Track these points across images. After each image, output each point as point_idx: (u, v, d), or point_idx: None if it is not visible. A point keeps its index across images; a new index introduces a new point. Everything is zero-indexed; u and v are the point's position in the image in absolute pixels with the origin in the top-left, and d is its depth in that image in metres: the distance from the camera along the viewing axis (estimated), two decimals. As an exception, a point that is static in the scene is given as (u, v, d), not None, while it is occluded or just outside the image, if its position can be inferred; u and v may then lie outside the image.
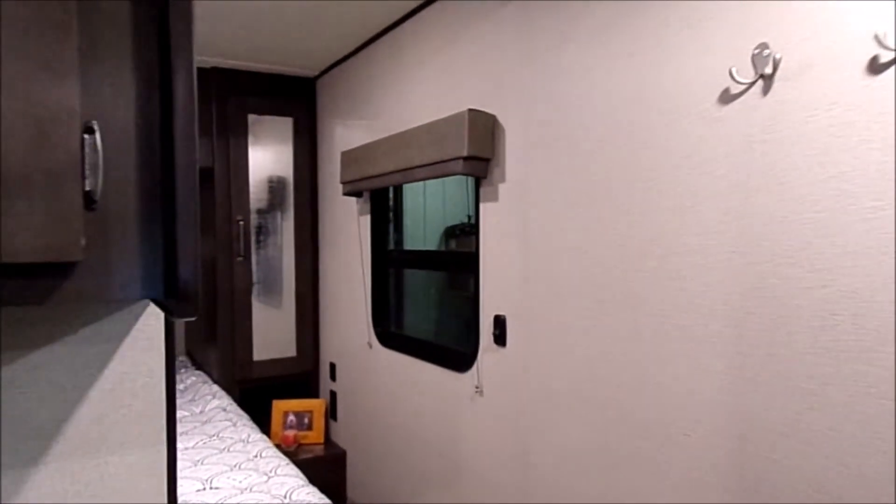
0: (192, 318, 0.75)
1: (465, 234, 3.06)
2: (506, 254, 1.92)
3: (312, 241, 3.38)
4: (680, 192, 1.37)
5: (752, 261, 1.24)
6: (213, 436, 2.50)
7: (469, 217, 3.10)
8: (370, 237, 2.78)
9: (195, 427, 2.62)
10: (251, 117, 3.24)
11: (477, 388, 2.06)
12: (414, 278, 3.00)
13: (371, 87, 2.74)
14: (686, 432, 1.38)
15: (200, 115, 3.08)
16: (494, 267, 1.99)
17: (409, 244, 3.18)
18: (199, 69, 3.11)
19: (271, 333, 3.31)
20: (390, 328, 2.79)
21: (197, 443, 2.42)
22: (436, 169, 2.05)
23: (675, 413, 1.40)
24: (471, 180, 2.18)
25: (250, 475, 2.08)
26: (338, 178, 2.85)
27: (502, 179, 1.92)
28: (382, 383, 2.72)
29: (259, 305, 3.29)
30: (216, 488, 1.98)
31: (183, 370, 3.65)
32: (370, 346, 2.80)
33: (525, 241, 1.84)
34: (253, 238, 3.28)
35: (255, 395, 3.30)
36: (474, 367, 2.08)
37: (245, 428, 2.58)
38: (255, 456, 2.28)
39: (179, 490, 1.99)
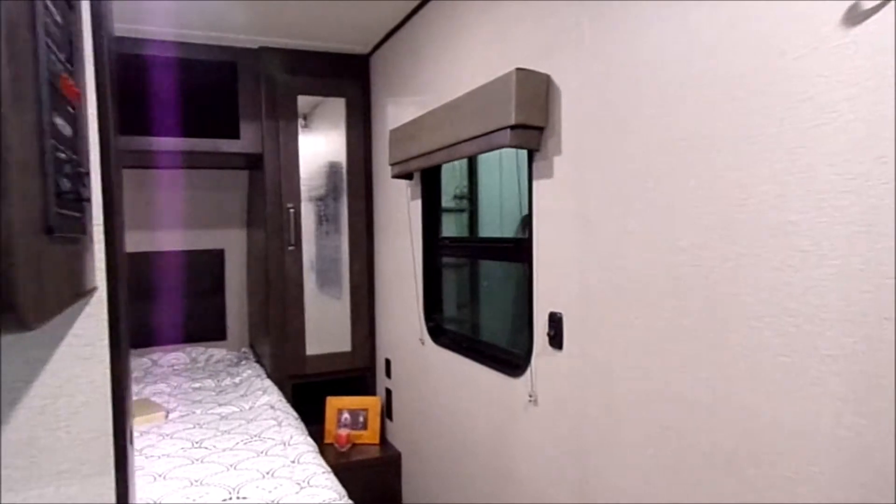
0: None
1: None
2: (562, 240, 1.62)
3: (367, 228, 3.18)
4: (784, 155, 1.03)
5: (888, 244, 0.89)
6: (255, 436, 2.36)
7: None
8: (421, 224, 2.54)
9: (240, 425, 2.49)
10: (303, 99, 3.07)
11: (531, 396, 1.77)
12: (468, 270, 2.73)
13: (421, 58, 2.48)
14: (789, 473, 1.04)
15: (249, 98, 2.95)
16: (549, 256, 1.69)
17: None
18: (247, 49, 3.01)
19: (326, 327, 3.15)
20: (442, 324, 2.54)
21: (237, 443, 2.29)
22: (482, 143, 1.77)
23: (771, 448, 1.06)
24: (524, 155, 1.88)
25: (282, 484, 1.91)
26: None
27: (557, 151, 1.61)
28: (436, 383, 2.48)
29: (317, 297, 3.14)
30: (243, 498, 1.82)
31: (243, 362, 3.57)
32: (422, 343, 2.57)
33: (585, 224, 1.53)
34: (314, 226, 3.12)
35: (309, 390, 3.16)
36: (528, 373, 1.79)
37: (289, 429, 2.42)
38: (293, 461, 2.10)
39: (205, 498, 1.85)
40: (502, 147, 1.68)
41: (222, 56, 2.92)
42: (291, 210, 3.01)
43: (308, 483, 1.92)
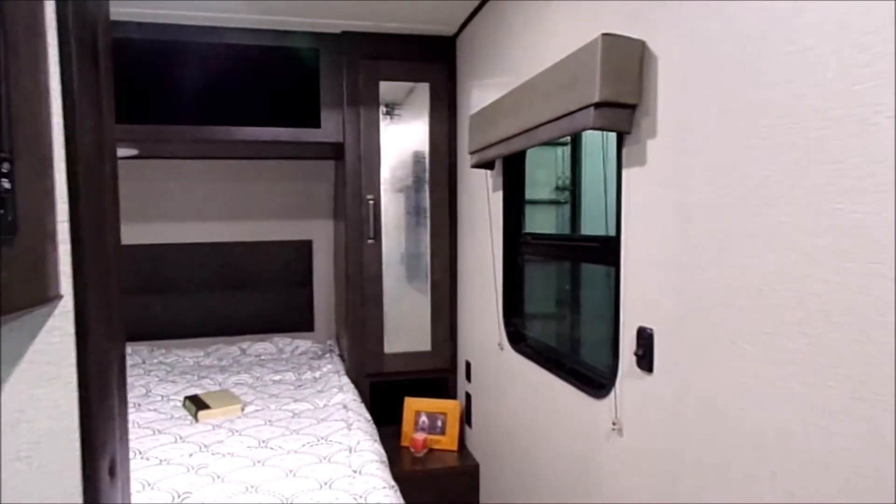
0: None
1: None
2: (656, 240, 1.34)
3: (450, 222, 3.00)
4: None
5: None
6: (322, 438, 2.25)
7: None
8: (501, 218, 2.31)
9: (309, 425, 2.40)
10: (386, 88, 2.93)
11: (614, 425, 1.50)
12: (553, 270, 2.47)
13: (506, 33, 2.25)
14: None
15: (331, 86, 2.85)
16: (639, 259, 1.41)
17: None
18: (330, 35, 2.91)
19: (407, 325, 3.01)
20: (522, 329, 2.30)
21: (303, 445, 2.19)
22: (563, 125, 1.52)
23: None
24: (612, 139, 1.60)
25: (338, 498, 1.77)
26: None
27: (652, 134, 1.33)
28: (514, 393, 2.26)
29: (397, 294, 3.01)
30: (294, 511, 1.70)
31: (327, 356, 3.53)
32: (501, 348, 2.35)
33: (685, 221, 1.24)
34: (396, 219, 2.99)
35: (388, 389, 3.04)
36: (612, 396, 1.52)
37: (358, 433, 2.29)
38: (355, 472, 1.96)
39: (258, 507, 1.75)
40: (585, 129, 1.41)
41: (305, 42, 2.83)
42: (371, 202, 2.88)
43: (366, 499, 1.77)
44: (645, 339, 1.36)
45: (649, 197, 1.36)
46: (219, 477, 1.92)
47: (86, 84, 0.82)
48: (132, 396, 2.80)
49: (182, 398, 2.71)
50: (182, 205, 3.44)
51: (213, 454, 2.12)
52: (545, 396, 1.96)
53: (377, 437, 2.36)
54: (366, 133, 2.87)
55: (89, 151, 0.81)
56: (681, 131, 1.24)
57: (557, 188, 2.91)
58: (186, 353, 3.51)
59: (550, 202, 2.93)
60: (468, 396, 2.85)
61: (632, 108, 1.37)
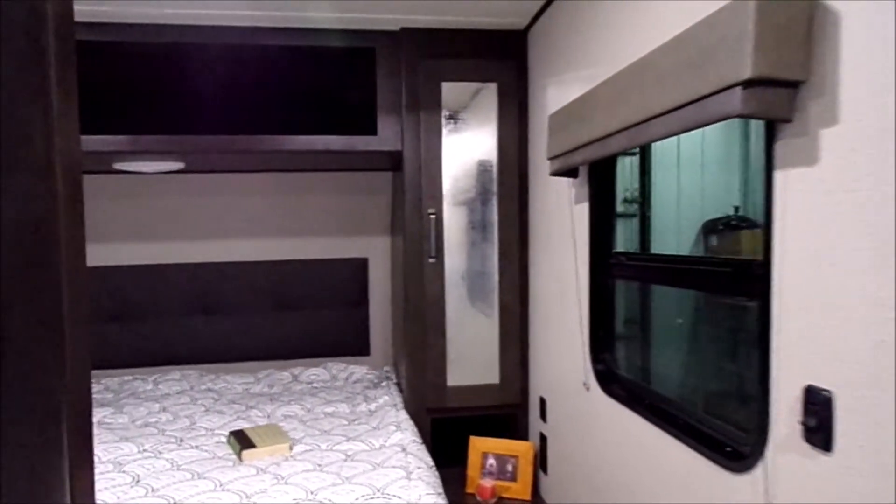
0: None
1: (731, 229, 2.07)
2: (836, 268, 0.97)
3: (521, 237, 2.66)
4: None
5: None
6: (378, 491, 1.94)
7: (736, 209, 2.10)
8: (588, 234, 1.96)
9: (363, 472, 2.09)
10: (450, 94, 2.63)
11: (764, 512, 1.13)
12: (656, 297, 2.09)
13: (591, 19, 1.91)
14: None
15: (388, 88, 2.56)
16: (805, 292, 1.03)
17: (656, 246, 2.29)
18: (387, 32, 2.64)
19: (472, 354, 2.68)
20: (614, 367, 1.93)
21: (357, 499, 1.88)
22: (690, 114, 1.16)
23: None
24: (757, 129, 1.23)
25: (397, 578, 1.45)
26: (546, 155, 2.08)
27: (828, 121, 0.97)
28: (604, 443, 1.89)
29: (460, 319, 2.68)
30: None
31: (383, 384, 3.23)
32: (586, 388, 1.99)
33: (885, 243, 0.87)
34: (460, 235, 2.67)
35: (450, 425, 2.71)
36: (758, 471, 1.15)
37: (420, 484, 1.97)
38: (417, 538, 1.64)
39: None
40: (727, 117, 1.06)
41: (360, 41, 2.57)
42: (433, 216, 2.58)
43: (431, 582, 1.44)
44: (819, 405, 0.98)
45: (822, 208, 0.99)
46: (258, 542, 1.63)
47: (30, 91, 0.57)
48: (175, 430, 2.58)
49: (227, 433, 2.46)
50: (229, 221, 3.23)
51: (255, 507, 1.84)
52: (649, 454, 1.58)
53: (441, 489, 2.03)
54: (426, 140, 2.58)
55: (33, 164, 0.54)
56: (878, 118, 0.88)
57: (625, 200, 2.54)
58: (236, 380, 3.28)
59: (618, 215, 2.56)
60: (543, 438, 2.49)
61: (794, 86, 1.01)
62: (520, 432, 2.67)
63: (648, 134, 1.32)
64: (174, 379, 3.26)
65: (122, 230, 3.13)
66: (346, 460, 2.21)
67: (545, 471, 2.47)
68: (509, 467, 2.54)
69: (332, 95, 2.58)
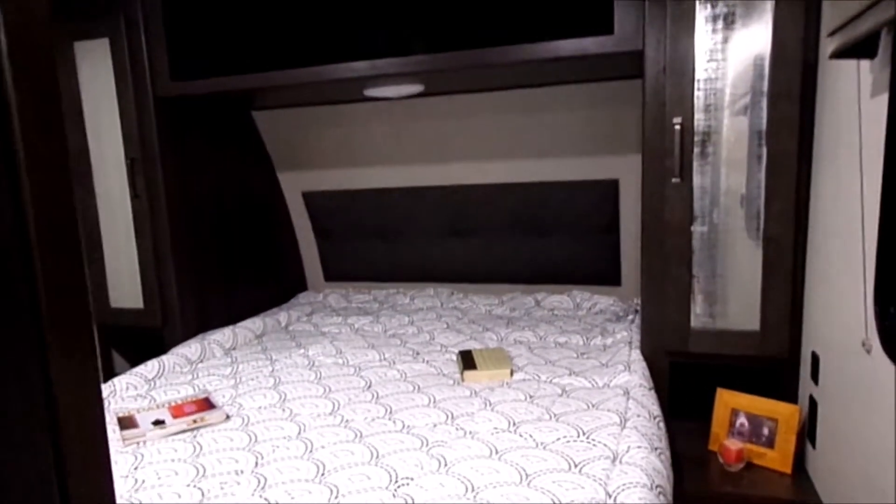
0: None
1: None
2: None
3: (801, 151, 2.07)
4: None
5: None
6: (584, 435, 1.76)
7: None
8: (884, 142, 1.39)
9: (575, 411, 1.92)
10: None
11: None
12: None
13: None
14: None
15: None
16: None
17: None
18: None
19: (725, 293, 2.24)
20: (909, 326, 1.37)
21: (557, 440, 1.73)
22: None
23: None
24: None
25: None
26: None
27: None
28: (890, 425, 1.38)
29: (711, 250, 2.25)
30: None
31: (628, 317, 2.97)
32: (866, 349, 1.47)
33: None
34: (730, 149, 2.21)
35: (694, 373, 2.35)
36: None
37: (632, 434, 1.73)
38: (607, 496, 1.43)
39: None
40: None
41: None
42: (678, 127, 2.16)
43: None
44: None
45: None
46: (445, 465, 1.62)
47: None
48: (416, 343, 2.73)
49: (457, 352, 2.52)
50: (473, 143, 3.20)
51: (456, 429, 1.83)
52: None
53: (659, 443, 1.76)
54: (673, 33, 2.13)
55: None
56: None
57: None
58: (481, 300, 3.35)
59: None
60: (812, 402, 1.98)
61: None
62: (783, 392, 2.17)
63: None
64: (428, 295, 3.47)
65: (377, 154, 3.35)
66: (560, 395, 2.07)
67: (813, 443, 1.97)
68: (765, 430, 2.10)
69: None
